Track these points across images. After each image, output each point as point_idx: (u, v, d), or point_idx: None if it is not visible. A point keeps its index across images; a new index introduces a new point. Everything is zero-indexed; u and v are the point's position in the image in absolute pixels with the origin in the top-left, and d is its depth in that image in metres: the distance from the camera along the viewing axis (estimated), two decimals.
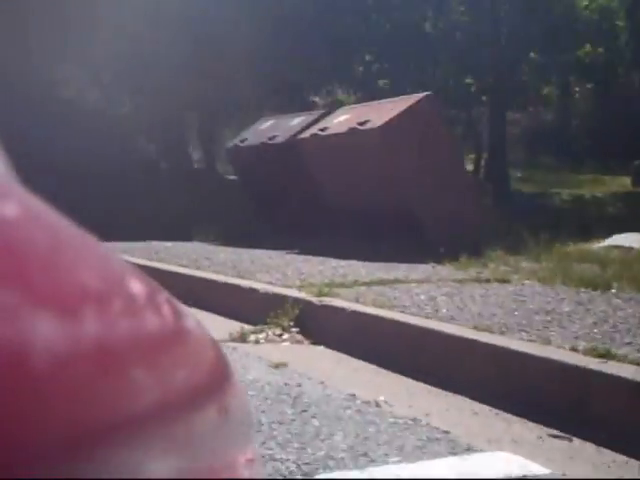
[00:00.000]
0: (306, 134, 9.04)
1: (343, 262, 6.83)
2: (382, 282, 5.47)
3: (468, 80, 15.16)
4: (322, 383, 3.65)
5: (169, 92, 17.27)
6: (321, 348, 4.44)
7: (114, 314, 0.47)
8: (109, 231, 10.16)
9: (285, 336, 4.65)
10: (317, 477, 2.53)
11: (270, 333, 4.68)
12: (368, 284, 5.38)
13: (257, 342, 4.59)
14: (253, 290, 5.20)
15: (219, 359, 0.64)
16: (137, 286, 0.54)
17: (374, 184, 8.11)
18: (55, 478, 0.36)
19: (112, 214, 12.91)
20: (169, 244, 9.35)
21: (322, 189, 8.95)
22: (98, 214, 13.09)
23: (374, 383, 3.72)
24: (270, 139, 9.59)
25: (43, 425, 0.36)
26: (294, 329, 4.69)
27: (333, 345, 4.40)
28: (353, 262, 6.82)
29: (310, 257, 7.35)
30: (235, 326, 4.92)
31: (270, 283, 5.43)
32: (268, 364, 4.01)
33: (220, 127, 21.98)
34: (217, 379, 0.60)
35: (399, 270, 6.31)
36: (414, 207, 7.95)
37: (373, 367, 3.98)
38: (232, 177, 20.17)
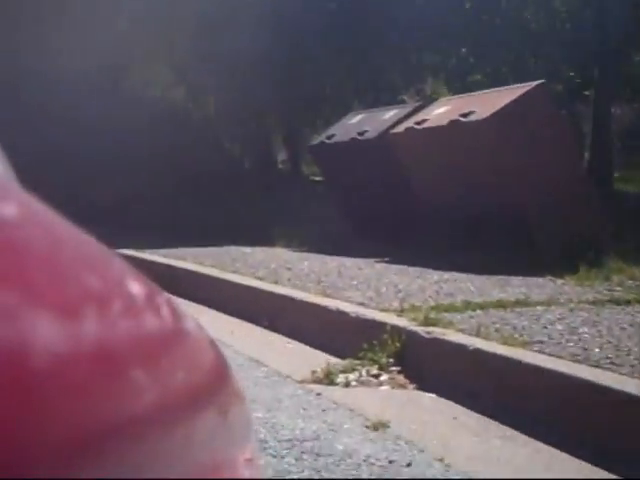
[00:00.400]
0: (400, 128, 7.91)
1: (445, 274, 5.70)
2: (501, 304, 4.32)
3: (571, 73, 13.82)
4: (441, 461, 2.53)
5: (254, 91, 16.51)
6: (431, 397, 3.32)
7: (113, 315, 0.46)
8: (191, 233, 9.27)
9: (383, 377, 3.54)
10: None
11: (364, 372, 3.58)
12: (483, 307, 4.24)
13: (347, 385, 3.50)
14: (342, 313, 4.11)
15: (218, 360, 0.62)
16: (136, 287, 0.52)
17: (477, 182, 6.95)
18: (55, 478, 0.35)
19: (198, 216, 12.12)
20: (248, 250, 8.34)
21: (416, 188, 7.83)
22: (186, 215, 12.36)
23: (515, 462, 2.57)
24: (360, 134, 8.49)
25: (43, 425, 0.35)
26: (394, 368, 3.59)
27: (447, 393, 3.28)
28: (457, 275, 5.68)
29: (405, 267, 6.23)
30: (319, 359, 3.85)
31: (362, 304, 4.33)
32: (363, 423, 2.91)
33: (305, 127, 21.07)
34: (216, 380, 0.59)
35: (514, 286, 5.15)
36: (524, 209, 6.77)
37: (509, 431, 2.84)
38: (317, 178, 19.36)
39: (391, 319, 3.84)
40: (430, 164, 7.51)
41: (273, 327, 4.57)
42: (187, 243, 9.04)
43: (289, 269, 6.13)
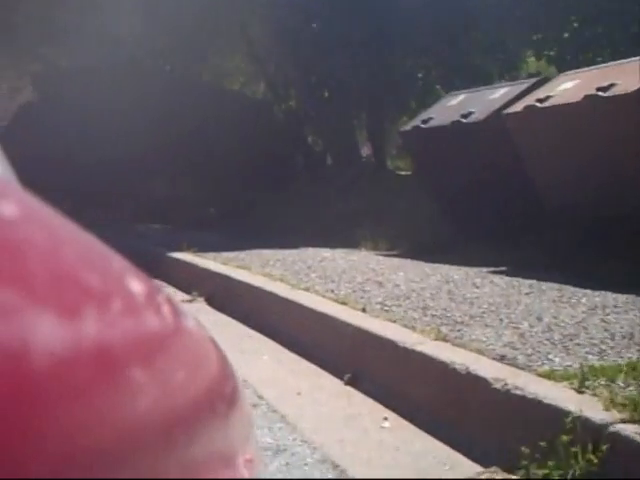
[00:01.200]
0: (517, 107, 6.11)
1: (596, 295, 3.93)
2: None
3: None
4: None
5: (337, 83, 14.94)
6: None
7: (113, 314, 0.44)
8: (267, 233, 7.68)
9: None
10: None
11: None
12: None
13: None
14: (478, 379, 2.37)
15: (219, 359, 0.60)
16: (137, 285, 0.51)
17: (623, 173, 5.14)
18: (55, 478, 0.34)
19: (276, 213, 10.58)
20: (327, 253, 6.67)
21: (536, 179, 6.03)
22: (263, 213, 10.81)
23: None
24: (464, 117, 6.70)
25: (43, 425, 0.34)
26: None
27: None
28: (613, 296, 3.91)
29: (535, 283, 4.46)
30: (456, 465, 2.12)
31: (502, 359, 2.58)
32: None
33: (390, 121, 19.38)
34: (217, 379, 0.57)
35: None
36: None
37: None
38: (403, 173, 17.66)
39: (567, 401, 2.09)
40: (556, 149, 5.70)
41: (360, 385, 2.87)
42: (261, 243, 7.44)
43: (380, 284, 4.42)
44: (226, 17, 15.68)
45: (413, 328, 3.05)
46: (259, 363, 3.38)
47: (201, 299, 5.14)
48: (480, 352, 2.65)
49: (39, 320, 0.36)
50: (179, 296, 5.28)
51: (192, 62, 17.23)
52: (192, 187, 13.88)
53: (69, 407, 0.36)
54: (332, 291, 4.16)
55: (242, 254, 6.52)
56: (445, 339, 2.84)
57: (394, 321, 3.21)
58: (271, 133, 15.25)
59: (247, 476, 0.58)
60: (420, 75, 16.72)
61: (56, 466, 0.34)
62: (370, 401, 2.80)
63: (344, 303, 3.68)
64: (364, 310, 3.48)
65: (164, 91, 14.50)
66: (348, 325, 3.22)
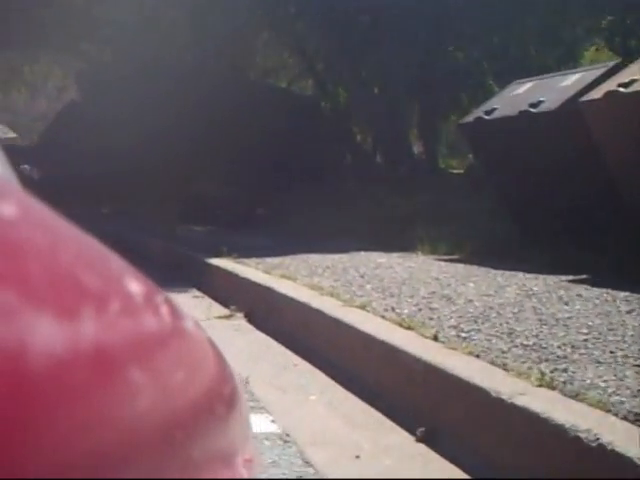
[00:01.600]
0: (595, 94, 5.32)
1: None
2: None
3: None
4: None
5: (386, 78, 14.25)
6: None
7: (112, 315, 0.44)
8: (316, 235, 6.97)
9: None
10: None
11: None
12: None
13: None
14: (616, 457, 1.62)
15: (217, 359, 0.59)
16: (136, 286, 0.50)
17: None
18: (55, 478, 0.33)
19: (325, 214, 9.93)
20: (382, 259, 5.94)
21: (620, 174, 5.23)
22: (312, 214, 10.09)
23: None
24: (533, 106, 5.90)
25: (42, 425, 0.33)
26: None
27: None
28: None
29: (633, 298, 3.69)
30: None
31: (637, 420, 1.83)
32: None
33: (441, 118, 18.62)
34: (216, 379, 0.56)
35: None
36: None
37: None
38: (456, 171, 16.91)
39: None
40: None
41: (438, 444, 2.14)
42: (308, 247, 6.75)
43: (449, 299, 3.68)
44: (273, 13, 15.08)
45: (504, 367, 2.31)
46: (305, 407, 2.67)
47: (240, 314, 4.45)
48: (605, 408, 1.90)
49: (37, 321, 0.35)
50: (215, 310, 4.59)
51: (239, 59, 16.65)
52: (238, 187, 13.30)
53: (68, 408, 0.35)
54: (393, 309, 3.43)
55: (287, 260, 5.82)
56: (552, 385, 2.10)
57: (477, 355, 2.46)
58: (319, 131, 14.62)
59: (246, 476, 0.57)
60: (471, 68, 15.93)
61: (55, 467, 0.33)
62: (451, 467, 2.07)
63: (410, 327, 2.94)
64: (436, 338, 2.74)
65: (210, 89, 13.93)
66: (418, 360, 2.48)
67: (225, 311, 4.56)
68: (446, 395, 2.28)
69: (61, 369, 0.35)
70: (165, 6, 15.09)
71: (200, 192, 12.75)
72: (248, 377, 3.00)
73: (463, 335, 2.80)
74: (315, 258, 5.92)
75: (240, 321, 4.29)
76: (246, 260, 5.74)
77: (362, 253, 6.46)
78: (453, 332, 2.88)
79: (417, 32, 13.83)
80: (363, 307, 3.51)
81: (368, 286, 4.30)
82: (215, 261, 5.65)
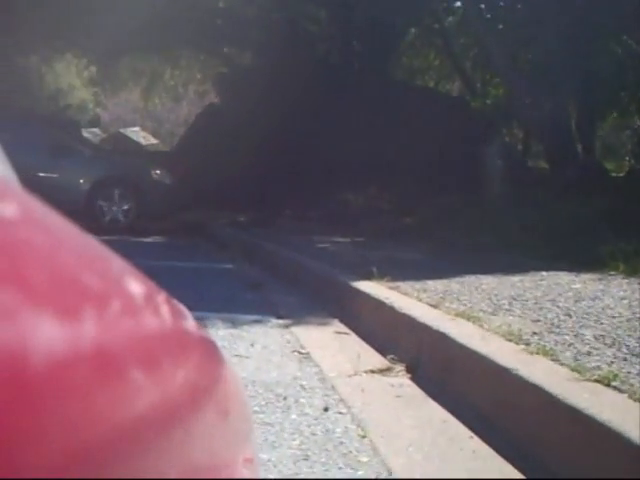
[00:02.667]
0: None
1: None
2: None
3: None
4: None
5: (552, 76, 12.65)
6: None
7: (112, 315, 0.42)
8: (474, 249, 5.50)
9: None
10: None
11: None
12: None
13: None
14: None
15: (218, 360, 0.57)
16: (136, 286, 0.49)
17: None
18: (54, 478, 0.33)
19: (480, 222, 8.57)
20: (576, 284, 4.49)
21: None
22: (466, 222, 8.69)
23: None
24: None
25: (42, 426, 0.33)
26: None
27: None
28: None
29: None
30: None
31: None
32: None
33: (599, 118, 16.79)
34: (216, 379, 0.55)
35: None
36: None
37: None
38: (614, 174, 15.08)
39: None
40: None
41: None
42: (473, 265, 5.41)
43: None
44: (419, 12, 13.76)
45: None
46: None
47: (400, 367, 3.11)
48: None
49: (38, 321, 0.35)
50: (366, 359, 3.27)
51: (383, 60, 15.40)
52: (384, 194, 12.10)
53: (68, 408, 0.34)
54: (633, 396, 2.01)
55: (454, 284, 4.46)
56: None
57: None
58: (467, 132, 13.22)
59: (247, 476, 0.56)
60: (629, 63, 14.09)
61: (55, 466, 0.33)
62: None
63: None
64: None
65: (353, 90, 12.76)
66: None
67: (380, 360, 3.25)
68: None
69: (61, 369, 0.34)
70: (306, 7, 14.03)
71: (345, 201, 11.61)
72: None
73: None
74: (489, 282, 4.53)
75: (402, 379, 2.96)
76: (402, 284, 4.41)
77: (544, 274, 5.03)
78: None
79: (575, 25, 12.19)
80: (607, 381, 2.12)
81: (587, 333, 2.89)
82: (364, 285, 4.35)
